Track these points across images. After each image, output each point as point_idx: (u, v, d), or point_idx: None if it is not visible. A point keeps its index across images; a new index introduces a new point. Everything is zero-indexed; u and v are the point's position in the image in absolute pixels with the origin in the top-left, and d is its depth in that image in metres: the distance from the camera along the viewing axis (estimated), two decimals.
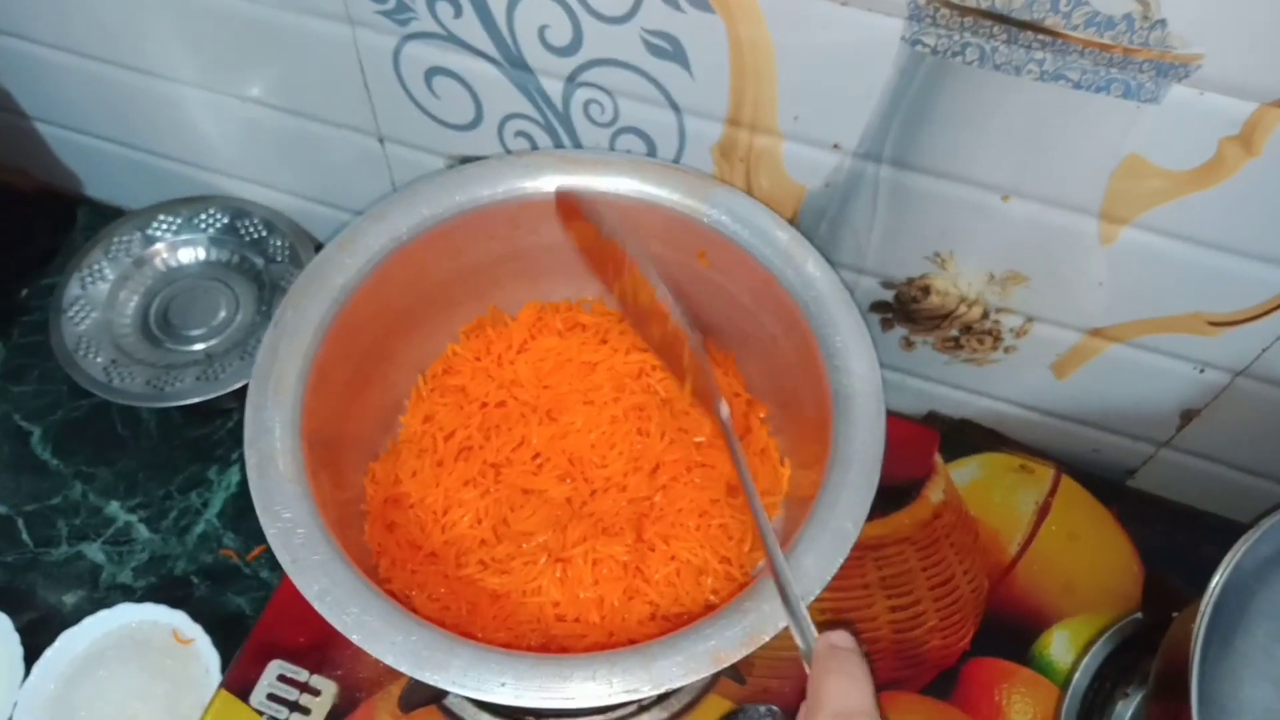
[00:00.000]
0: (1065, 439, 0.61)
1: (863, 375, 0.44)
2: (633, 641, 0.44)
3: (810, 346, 0.46)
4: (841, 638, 0.34)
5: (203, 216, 0.66)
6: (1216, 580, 0.37)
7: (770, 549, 0.37)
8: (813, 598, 0.38)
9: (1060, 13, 0.38)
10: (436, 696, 0.50)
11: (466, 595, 0.46)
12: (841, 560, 0.38)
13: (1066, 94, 0.41)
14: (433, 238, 0.49)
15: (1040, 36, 0.39)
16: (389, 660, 0.36)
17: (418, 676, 0.35)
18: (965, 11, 0.39)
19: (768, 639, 0.37)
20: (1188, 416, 0.56)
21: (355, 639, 0.36)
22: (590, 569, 0.47)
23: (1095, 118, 0.41)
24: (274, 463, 0.40)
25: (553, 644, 0.45)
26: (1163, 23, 0.37)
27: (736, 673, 0.51)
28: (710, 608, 0.47)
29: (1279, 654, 0.35)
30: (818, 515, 0.40)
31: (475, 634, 0.45)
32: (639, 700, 0.47)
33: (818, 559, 0.38)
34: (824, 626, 0.35)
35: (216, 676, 0.52)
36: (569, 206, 0.50)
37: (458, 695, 0.43)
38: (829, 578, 0.38)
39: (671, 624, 0.46)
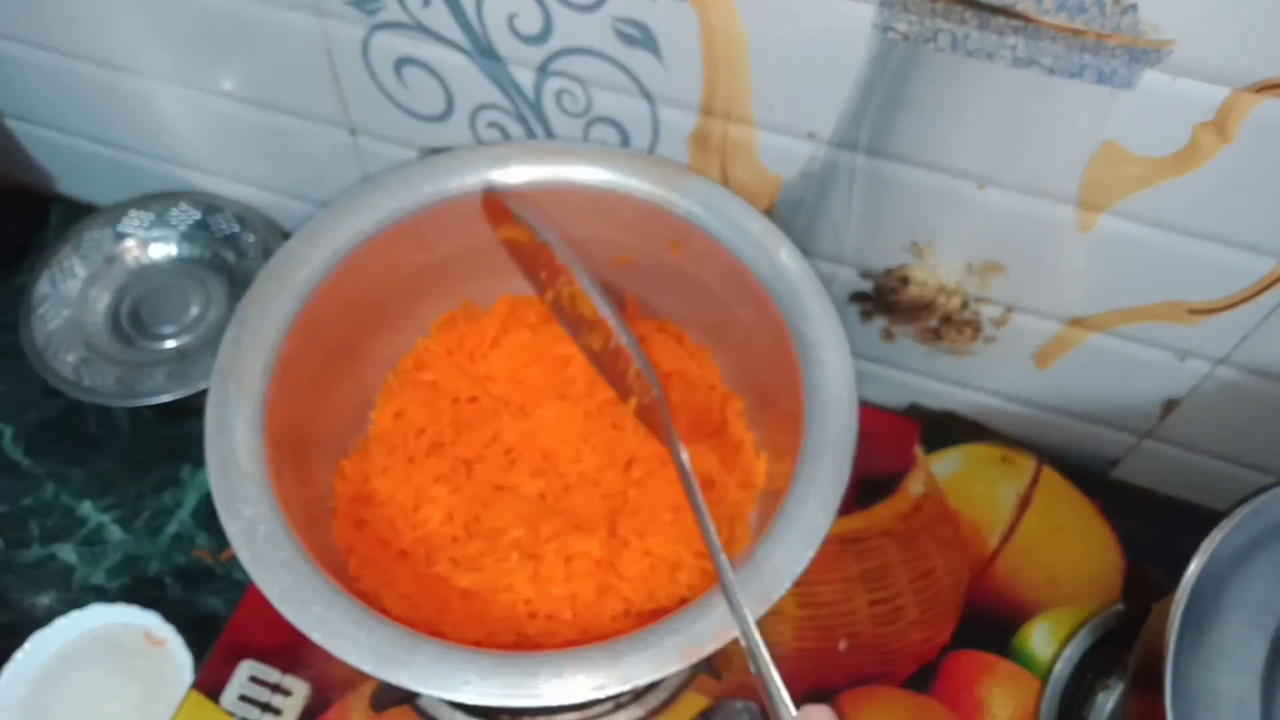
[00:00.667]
0: (1048, 429, 0.60)
1: (836, 366, 0.43)
2: (606, 639, 0.44)
3: (784, 337, 0.45)
4: (822, 713, 0.33)
5: (174, 212, 0.65)
6: (1191, 570, 0.37)
7: (741, 621, 0.36)
8: (783, 591, 0.37)
9: None
10: (409, 697, 0.49)
11: (437, 593, 0.46)
12: (812, 553, 0.38)
13: (1040, 80, 0.40)
14: (401, 230, 0.48)
15: (1012, 22, 0.39)
16: (350, 659, 0.35)
17: (380, 676, 0.35)
18: None
19: (738, 633, 0.36)
20: (1170, 406, 0.55)
21: (316, 638, 0.35)
22: (563, 565, 0.46)
23: (1070, 104, 0.41)
24: (235, 460, 0.40)
25: (525, 642, 0.45)
26: (1134, 7, 0.36)
27: (712, 668, 0.50)
28: (685, 603, 0.46)
29: (1254, 644, 0.35)
30: (788, 509, 0.39)
31: (446, 633, 0.44)
32: (614, 698, 0.47)
33: (788, 553, 0.38)
34: (803, 622, 0.34)
35: (189, 677, 0.51)
36: (496, 207, 0.49)
37: (430, 695, 0.43)
38: (799, 572, 0.38)
39: (646, 620, 0.45)
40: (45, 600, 0.56)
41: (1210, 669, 0.34)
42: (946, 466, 0.60)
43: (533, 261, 0.50)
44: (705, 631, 0.36)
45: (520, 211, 0.47)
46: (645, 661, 0.35)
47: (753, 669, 0.35)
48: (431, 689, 0.35)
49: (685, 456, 0.43)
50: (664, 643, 0.36)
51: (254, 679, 0.50)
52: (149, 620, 0.53)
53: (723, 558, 0.38)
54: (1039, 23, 0.38)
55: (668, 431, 0.44)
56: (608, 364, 0.50)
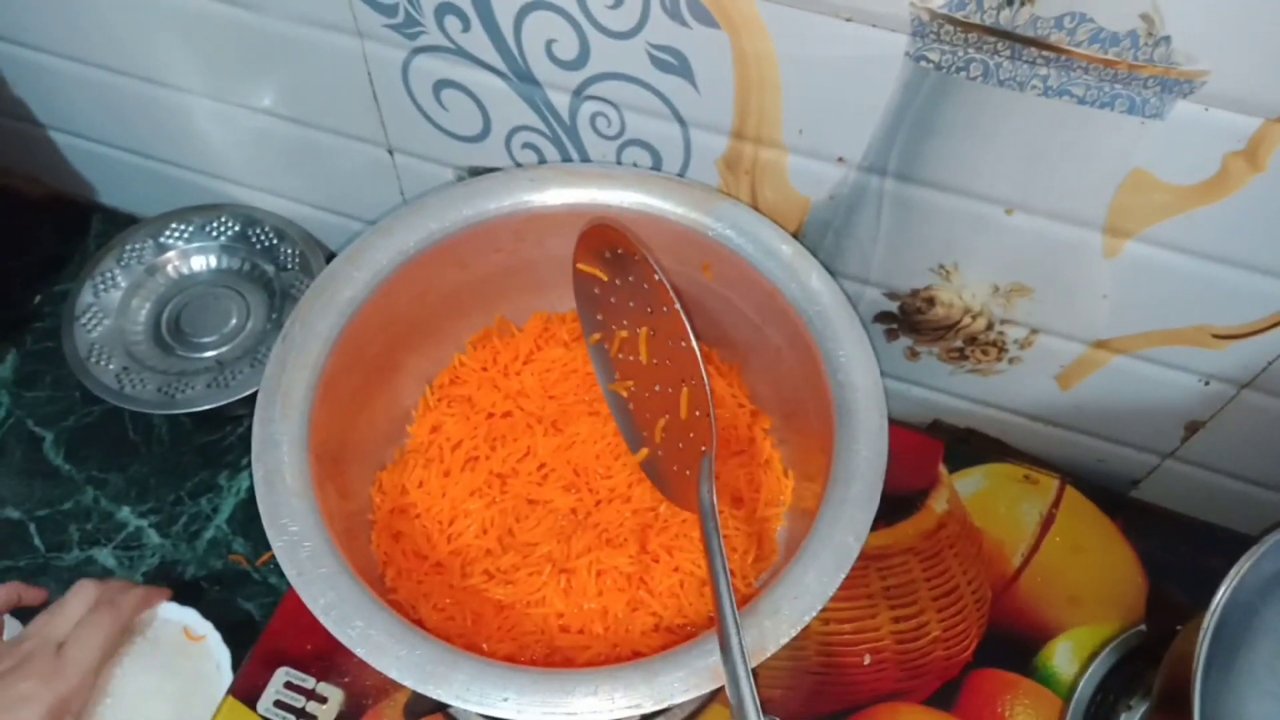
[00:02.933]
0: (1070, 449, 0.60)
1: (866, 390, 0.44)
2: (637, 653, 0.45)
3: (814, 359, 0.46)
4: None
5: (214, 224, 0.66)
6: (1220, 596, 0.37)
7: (733, 668, 0.35)
8: (815, 613, 0.38)
9: (1064, 29, 0.38)
10: (442, 705, 0.50)
11: (471, 605, 0.46)
12: (843, 576, 0.39)
13: (1070, 110, 0.41)
14: (439, 251, 0.49)
15: (1044, 53, 0.39)
16: (393, 675, 0.36)
17: (421, 691, 0.36)
18: (969, 28, 0.39)
19: (771, 654, 0.37)
20: (1192, 428, 0.56)
21: (360, 653, 0.36)
22: (594, 580, 0.47)
23: (1099, 133, 0.41)
24: (281, 476, 0.41)
25: (556, 655, 0.46)
26: (1167, 39, 0.37)
27: None
28: (713, 619, 0.47)
29: None
30: (820, 530, 0.40)
31: (480, 645, 0.45)
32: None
33: (819, 575, 0.39)
34: (827, 639, 0.34)
35: (228, 674, 0.52)
36: (602, 237, 0.49)
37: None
38: (831, 593, 0.38)
39: (675, 635, 0.46)
40: None
41: (1239, 695, 0.35)
42: (970, 485, 0.60)
43: (595, 301, 0.52)
44: None
45: (646, 254, 0.47)
46: (678, 681, 0.36)
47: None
48: (471, 705, 0.35)
49: (709, 499, 0.43)
50: (697, 662, 0.37)
51: (290, 685, 0.51)
52: (187, 617, 0.53)
53: (727, 593, 0.38)
54: (1071, 54, 0.39)
55: (704, 504, 0.43)
56: (630, 411, 0.51)
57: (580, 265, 0.51)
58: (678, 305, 0.46)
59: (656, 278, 0.46)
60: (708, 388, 0.45)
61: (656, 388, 0.49)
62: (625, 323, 0.50)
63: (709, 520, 0.41)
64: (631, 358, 0.50)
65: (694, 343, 0.45)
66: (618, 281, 0.49)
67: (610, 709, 0.35)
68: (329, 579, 0.38)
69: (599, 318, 0.52)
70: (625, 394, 0.51)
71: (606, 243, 0.49)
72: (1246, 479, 0.58)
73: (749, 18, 0.42)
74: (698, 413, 0.46)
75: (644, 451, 0.50)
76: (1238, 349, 0.49)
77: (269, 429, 0.42)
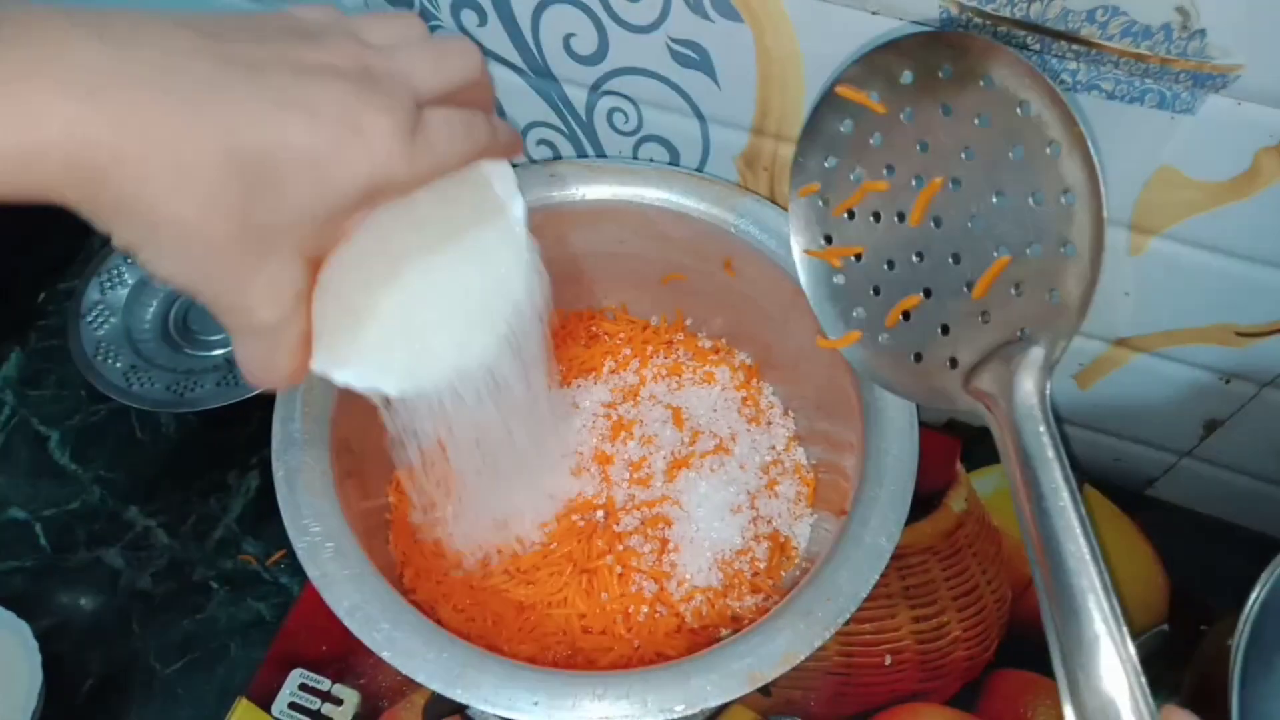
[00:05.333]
0: (1085, 447, 0.60)
1: None
2: (660, 654, 0.44)
3: (838, 359, 0.45)
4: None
5: None
6: (1255, 596, 0.36)
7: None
8: (848, 615, 0.37)
9: (1096, 23, 0.38)
10: (461, 706, 0.50)
11: (492, 606, 0.46)
12: (876, 577, 0.38)
13: (1099, 105, 0.40)
14: None
15: (1074, 47, 0.39)
16: (420, 678, 0.35)
17: (450, 695, 0.35)
18: (998, 21, 0.39)
19: (804, 658, 0.36)
20: (1211, 427, 0.55)
21: (386, 656, 0.36)
22: (616, 580, 0.47)
23: (1128, 129, 0.41)
24: (302, 476, 0.40)
25: (579, 656, 0.45)
26: (1202, 33, 0.36)
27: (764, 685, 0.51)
28: (736, 619, 0.47)
29: None
30: (851, 531, 0.39)
31: (501, 646, 0.45)
32: None
33: (852, 576, 0.38)
34: (847, 639, 0.34)
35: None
36: (929, 49, 0.38)
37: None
38: (864, 595, 0.38)
39: (698, 636, 0.46)
40: (91, 605, 0.57)
41: (1277, 699, 0.35)
42: (988, 484, 0.60)
43: (838, 142, 0.42)
44: (773, 655, 0.36)
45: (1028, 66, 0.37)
46: (711, 685, 0.35)
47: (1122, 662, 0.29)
48: (500, 709, 0.35)
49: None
50: (731, 665, 0.36)
51: (304, 687, 0.51)
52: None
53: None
54: (1102, 48, 0.38)
55: (1022, 405, 0.34)
56: (839, 286, 0.43)
57: (844, 90, 0.40)
58: (1085, 137, 0.35)
59: (1044, 97, 0.35)
60: (1092, 253, 0.35)
61: (915, 257, 0.40)
62: (890, 171, 0.40)
63: (1029, 423, 0.33)
64: (872, 219, 0.41)
65: (1099, 188, 0.35)
66: (903, 116, 0.40)
67: (643, 713, 0.35)
68: (353, 580, 0.38)
69: (832, 163, 0.42)
70: (839, 264, 0.42)
71: (924, 60, 0.38)
72: (1265, 478, 0.57)
73: (773, 11, 0.41)
74: (1014, 290, 0.38)
75: (850, 335, 0.42)
76: (1261, 347, 0.49)
77: (289, 427, 0.41)
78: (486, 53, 0.48)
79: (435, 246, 0.34)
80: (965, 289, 0.40)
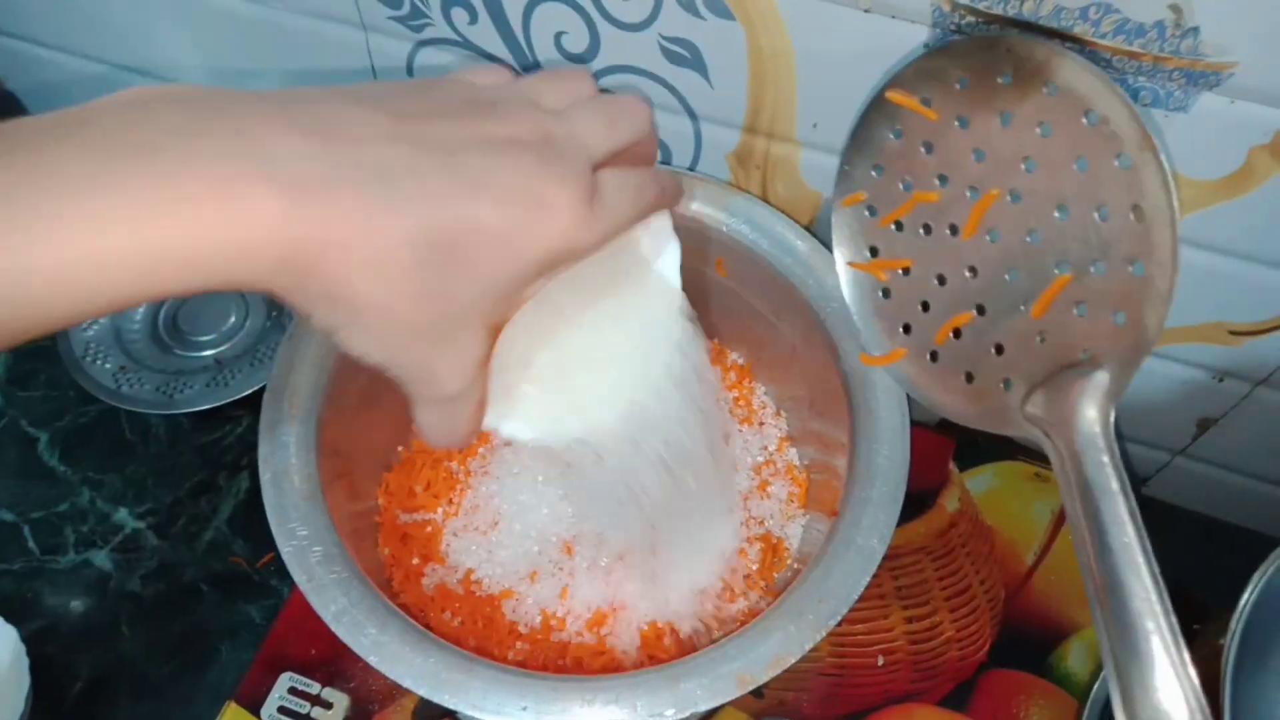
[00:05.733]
0: None
1: (886, 388, 0.43)
2: (650, 658, 0.44)
3: (831, 357, 0.45)
4: None
5: None
6: (1248, 595, 0.36)
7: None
8: (840, 617, 0.37)
9: (1089, 20, 0.37)
10: (451, 710, 0.50)
11: (481, 609, 0.46)
12: (868, 579, 0.38)
13: None
14: None
15: (1067, 44, 0.38)
16: (407, 683, 0.35)
17: (437, 700, 0.35)
18: (991, 19, 0.38)
19: (794, 660, 0.36)
20: (1204, 425, 0.55)
21: (373, 661, 0.35)
22: (606, 584, 0.46)
23: None
24: (289, 479, 0.40)
25: (568, 658, 0.45)
26: (1195, 30, 0.36)
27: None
28: (727, 622, 0.46)
29: None
30: (842, 532, 0.39)
31: (490, 649, 0.45)
32: None
33: (844, 577, 0.38)
34: (840, 639, 0.33)
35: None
36: (989, 53, 0.36)
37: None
38: (856, 596, 0.38)
39: (688, 640, 0.46)
40: (80, 607, 0.56)
41: (1271, 699, 0.34)
42: (981, 483, 0.59)
43: (885, 150, 0.40)
44: (763, 658, 0.36)
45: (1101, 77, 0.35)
46: (701, 688, 0.35)
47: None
48: (489, 714, 0.35)
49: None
50: (721, 668, 0.36)
51: (294, 690, 0.50)
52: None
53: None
54: (1095, 45, 0.38)
55: (1086, 432, 0.33)
56: (882, 301, 0.42)
57: (895, 95, 0.39)
58: (1160, 151, 0.33)
59: (1117, 111, 0.33)
60: (1169, 267, 0.32)
61: (967, 272, 0.38)
62: (942, 181, 0.38)
63: (1092, 452, 0.31)
64: (922, 231, 0.39)
65: (1173, 204, 0.32)
66: (957, 123, 0.38)
67: (632, 717, 0.34)
68: (340, 584, 0.37)
69: (880, 172, 0.40)
70: (885, 277, 0.40)
71: (981, 65, 0.36)
72: (1258, 476, 0.57)
73: (765, 9, 0.41)
74: (1077, 310, 0.36)
75: (898, 352, 0.40)
76: (1254, 346, 0.49)
77: (276, 430, 0.41)
78: (478, 51, 0.48)
79: (591, 303, 0.34)
80: (1023, 307, 0.38)
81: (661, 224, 0.35)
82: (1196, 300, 0.48)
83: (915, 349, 0.41)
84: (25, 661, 0.52)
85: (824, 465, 0.48)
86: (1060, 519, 0.58)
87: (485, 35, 0.47)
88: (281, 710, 0.50)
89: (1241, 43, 0.36)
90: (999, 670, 0.53)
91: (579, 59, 0.46)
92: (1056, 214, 0.37)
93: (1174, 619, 0.30)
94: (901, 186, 0.40)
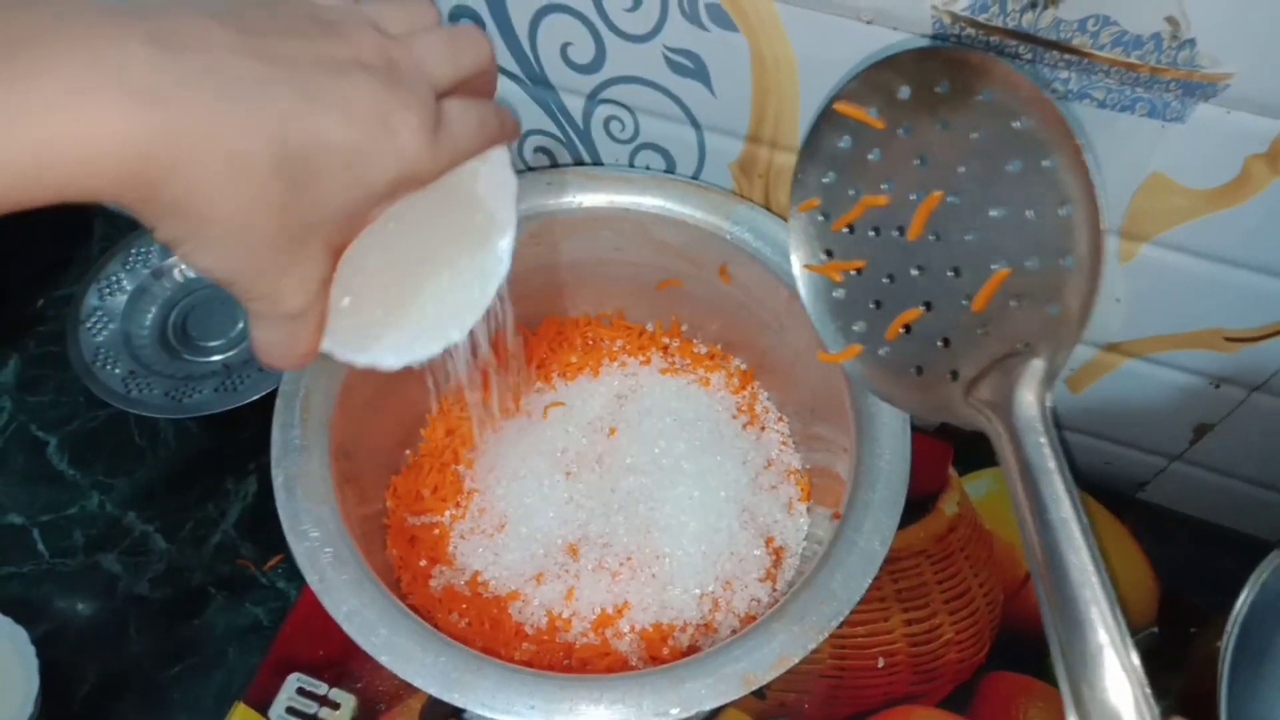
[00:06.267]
0: (1077, 451, 0.60)
1: None
2: (655, 658, 0.45)
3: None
4: None
5: None
6: (1243, 598, 0.37)
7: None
8: (842, 618, 0.38)
9: (1087, 33, 0.38)
10: (457, 711, 0.50)
11: (488, 610, 0.46)
12: (870, 581, 0.39)
13: (1090, 112, 0.41)
14: None
15: (1066, 56, 0.39)
16: (418, 683, 0.36)
17: (446, 699, 0.35)
18: (991, 30, 0.39)
19: (797, 661, 0.37)
20: (1201, 431, 0.56)
21: (384, 661, 0.36)
22: (613, 584, 0.47)
23: (1119, 137, 0.41)
24: (301, 481, 0.40)
25: (574, 659, 0.45)
26: (1192, 42, 0.37)
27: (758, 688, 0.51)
28: (730, 623, 0.47)
29: None
30: (844, 535, 0.40)
31: (497, 650, 0.45)
32: None
33: (846, 580, 0.38)
34: (840, 642, 0.34)
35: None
36: (924, 66, 0.38)
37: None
38: (858, 598, 0.38)
39: (693, 640, 0.46)
40: (89, 610, 0.57)
41: (1267, 702, 0.35)
42: (980, 488, 0.60)
43: (837, 158, 0.42)
44: (767, 658, 0.37)
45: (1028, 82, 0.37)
46: (706, 688, 0.36)
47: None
48: (497, 713, 0.35)
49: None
50: (725, 668, 0.36)
51: (302, 691, 0.51)
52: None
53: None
54: (1094, 57, 0.39)
55: (1023, 416, 0.34)
56: (838, 300, 0.43)
57: (843, 106, 0.41)
58: (1082, 150, 0.35)
59: (1041, 110, 0.36)
60: (1094, 266, 0.35)
61: (914, 271, 0.41)
62: (889, 186, 0.41)
63: (1030, 435, 0.33)
64: (872, 233, 0.42)
65: (1096, 200, 0.35)
66: (901, 131, 0.40)
67: (638, 716, 0.35)
68: (351, 585, 0.38)
69: (832, 179, 0.43)
70: (839, 278, 0.42)
71: (921, 76, 0.39)
72: (1254, 481, 0.58)
73: (768, 21, 0.42)
74: (1014, 302, 0.38)
75: (852, 349, 0.42)
76: (1250, 352, 0.49)
77: (288, 434, 0.41)
78: None
79: (426, 232, 0.34)
80: (965, 301, 0.40)
81: (500, 157, 0.35)
82: (1193, 307, 0.48)
83: (869, 345, 0.43)
84: (35, 663, 0.52)
85: (826, 469, 0.49)
86: None
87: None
88: (289, 711, 0.50)
89: (1237, 54, 0.37)
90: (998, 672, 0.54)
91: (585, 69, 0.47)
92: (993, 213, 0.39)
93: (1111, 590, 0.31)
94: (851, 192, 0.42)
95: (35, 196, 0.24)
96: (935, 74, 0.39)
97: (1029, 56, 0.40)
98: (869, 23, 0.40)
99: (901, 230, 0.41)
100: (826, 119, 0.42)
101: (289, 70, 0.27)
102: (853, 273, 0.43)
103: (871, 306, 0.43)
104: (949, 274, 0.40)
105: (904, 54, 0.40)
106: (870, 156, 0.41)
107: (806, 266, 0.45)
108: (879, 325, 0.42)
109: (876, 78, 0.40)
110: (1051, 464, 0.34)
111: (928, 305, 0.41)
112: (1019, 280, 0.38)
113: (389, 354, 0.35)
